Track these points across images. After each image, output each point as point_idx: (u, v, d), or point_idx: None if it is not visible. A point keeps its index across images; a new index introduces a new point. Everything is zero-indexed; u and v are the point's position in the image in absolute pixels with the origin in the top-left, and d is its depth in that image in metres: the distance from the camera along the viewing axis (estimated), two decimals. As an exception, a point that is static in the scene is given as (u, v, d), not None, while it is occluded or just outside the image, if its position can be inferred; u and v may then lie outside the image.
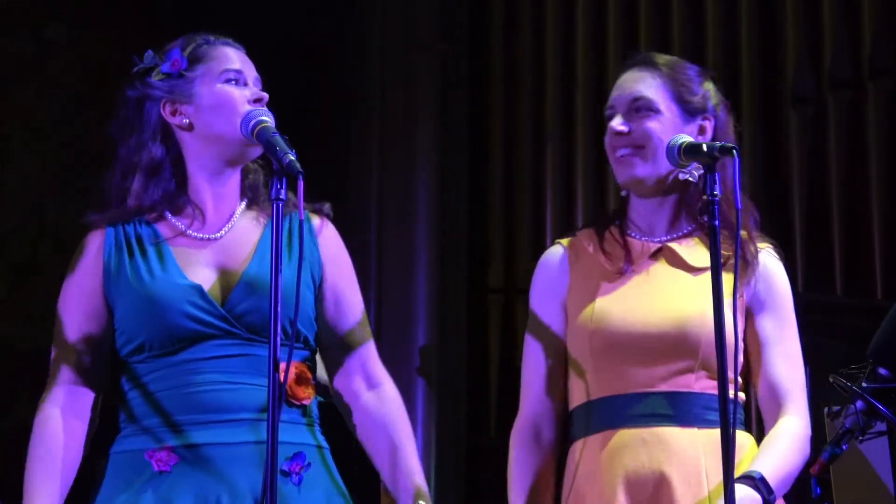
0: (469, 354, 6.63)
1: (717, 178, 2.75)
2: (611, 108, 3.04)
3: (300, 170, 2.64)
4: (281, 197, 2.66)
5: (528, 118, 6.72)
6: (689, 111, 3.02)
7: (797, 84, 6.11)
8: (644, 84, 3.02)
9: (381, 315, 6.53)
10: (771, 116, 6.18)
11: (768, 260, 3.01)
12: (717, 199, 2.73)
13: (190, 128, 2.92)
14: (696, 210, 3.01)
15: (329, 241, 3.00)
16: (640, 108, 3.00)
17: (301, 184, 2.62)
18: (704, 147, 2.80)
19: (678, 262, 2.98)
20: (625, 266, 3.00)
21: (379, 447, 2.98)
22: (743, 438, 2.92)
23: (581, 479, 2.95)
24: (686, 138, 2.87)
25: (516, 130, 6.74)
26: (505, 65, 6.82)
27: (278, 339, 2.63)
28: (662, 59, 3.09)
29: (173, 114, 2.92)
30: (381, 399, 3.01)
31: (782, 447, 2.88)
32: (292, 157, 2.66)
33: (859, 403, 2.93)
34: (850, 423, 2.96)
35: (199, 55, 2.94)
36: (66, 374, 2.87)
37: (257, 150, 2.94)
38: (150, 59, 2.97)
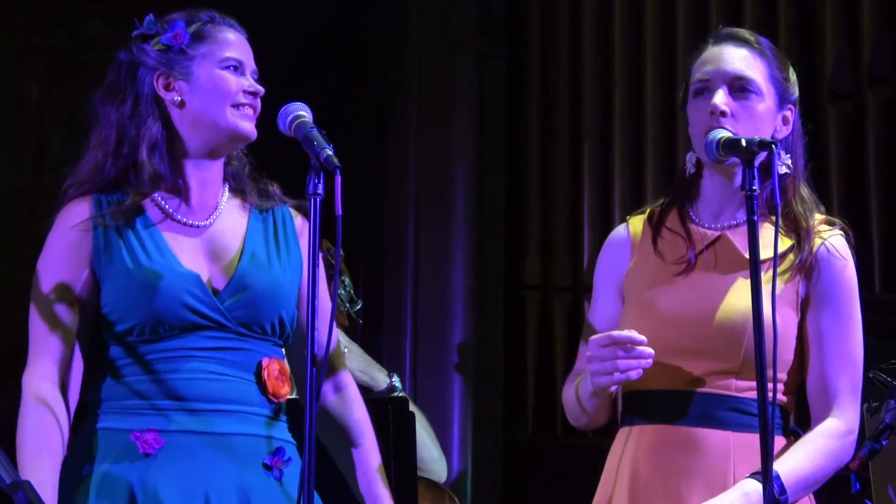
0: (506, 351, 6.61)
1: (756, 172, 2.70)
2: (704, 82, 2.92)
3: (338, 165, 2.63)
4: (318, 192, 2.64)
5: (566, 115, 6.70)
6: (781, 97, 2.94)
7: (836, 80, 6.08)
8: (747, 63, 2.91)
9: (417, 312, 6.52)
10: (809, 113, 6.14)
11: (830, 252, 2.91)
12: (756, 194, 2.68)
13: (181, 105, 2.89)
14: (766, 192, 2.90)
15: (308, 243, 2.89)
16: (744, 89, 2.89)
17: (339, 179, 2.61)
18: (743, 142, 2.74)
19: (733, 255, 2.90)
20: (682, 257, 2.94)
21: (342, 455, 2.98)
22: (779, 443, 2.85)
23: (623, 469, 2.94)
24: (724, 133, 2.80)
25: (553, 127, 6.72)
26: (542, 61, 6.80)
27: (315, 332, 2.61)
28: (755, 36, 2.97)
29: (166, 88, 2.90)
30: (345, 407, 3.00)
31: (810, 449, 2.84)
32: (330, 153, 2.64)
33: (899, 399, 2.92)
34: (890, 418, 2.95)
35: (202, 33, 2.91)
36: (52, 344, 2.81)
37: (242, 143, 2.94)
38: (150, 25, 2.93)
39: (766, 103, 2.91)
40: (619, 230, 3.08)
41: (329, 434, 3.01)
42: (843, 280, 2.92)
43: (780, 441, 2.87)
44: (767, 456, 2.60)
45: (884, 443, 2.91)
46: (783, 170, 2.91)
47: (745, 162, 2.73)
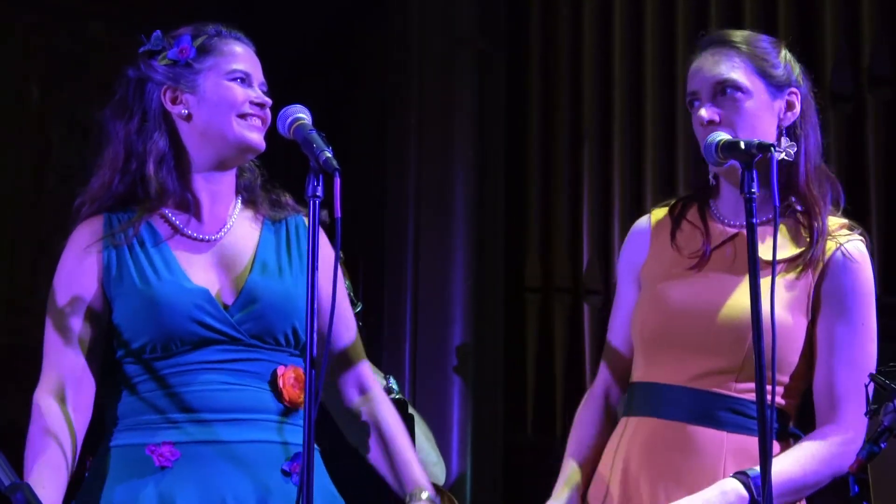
0: (506, 353, 6.62)
1: (754, 175, 2.68)
2: (692, 95, 2.92)
3: (336, 167, 2.61)
4: (318, 194, 2.63)
5: (566, 116, 6.70)
6: (776, 86, 2.92)
7: (836, 82, 6.07)
8: (725, 65, 2.90)
9: (417, 314, 6.53)
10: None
11: (846, 257, 2.90)
12: (755, 196, 2.66)
13: (188, 118, 2.89)
14: (788, 195, 2.91)
15: (322, 249, 2.85)
16: (726, 91, 2.88)
17: (338, 181, 2.59)
18: (742, 144, 2.73)
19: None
20: (696, 251, 2.94)
21: (374, 448, 2.98)
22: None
23: (618, 460, 2.95)
24: (723, 136, 2.79)
25: (553, 128, 6.73)
26: (542, 62, 6.81)
27: (314, 334, 2.60)
28: (736, 34, 2.96)
29: (173, 101, 2.90)
30: (370, 401, 3.01)
31: (801, 454, 2.84)
32: (329, 155, 2.63)
33: (898, 401, 2.91)
34: (889, 421, 2.93)
35: (208, 47, 2.91)
36: (63, 364, 2.81)
37: (251, 154, 2.93)
38: (157, 41, 2.93)
39: (754, 99, 2.90)
40: (642, 221, 3.09)
41: (357, 435, 3.01)
42: (858, 286, 2.91)
43: (773, 445, 2.84)
44: (766, 457, 2.59)
45: (883, 445, 2.89)
46: (781, 156, 2.90)
47: (744, 164, 2.71)
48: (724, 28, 3.11)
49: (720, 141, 2.78)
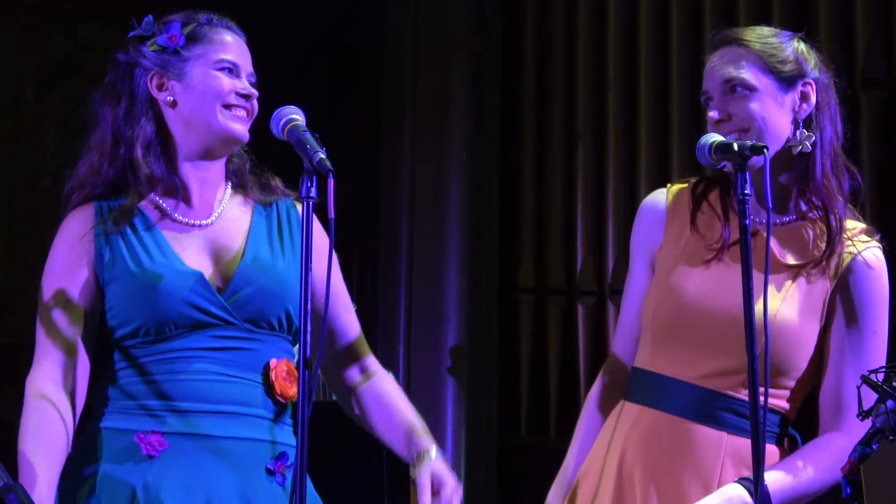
0: (500, 355, 6.62)
1: (748, 176, 2.68)
2: (704, 94, 2.94)
3: (330, 168, 2.61)
4: (311, 195, 2.62)
5: (560, 118, 6.70)
6: (786, 80, 2.91)
7: (829, 84, 6.08)
8: (732, 63, 2.91)
9: (411, 315, 6.52)
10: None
11: (863, 265, 2.89)
12: (748, 198, 2.66)
13: (174, 105, 2.89)
14: (808, 191, 2.91)
15: (317, 236, 2.84)
16: (734, 89, 2.89)
17: (331, 182, 2.59)
18: (735, 146, 2.72)
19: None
20: (713, 243, 2.92)
21: (379, 420, 3.00)
22: (770, 451, 2.85)
23: (614, 447, 2.94)
24: (716, 137, 2.78)
25: (548, 130, 6.73)
26: (537, 64, 6.81)
27: (308, 335, 2.59)
28: (744, 32, 2.97)
29: (160, 88, 2.90)
30: (371, 376, 3.03)
31: (803, 461, 2.84)
32: (322, 156, 2.62)
33: (890, 403, 2.91)
34: (881, 422, 2.93)
35: (198, 35, 2.91)
36: (57, 349, 2.80)
37: (235, 145, 2.93)
38: (148, 26, 2.93)
39: (761, 95, 2.89)
40: (658, 197, 3.06)
41: (360, 409, 3.02)
42: (873, 295, 2.89)
43: (771, 449, 2.86)
44: (758, 461, 2.59)
45: (874, 447, 2.90)
46: (799, 148, 2.88)
47: (738, 166, 2.71)
48: (717, 30, 3.09)
49: (713, 142, 2.78)
